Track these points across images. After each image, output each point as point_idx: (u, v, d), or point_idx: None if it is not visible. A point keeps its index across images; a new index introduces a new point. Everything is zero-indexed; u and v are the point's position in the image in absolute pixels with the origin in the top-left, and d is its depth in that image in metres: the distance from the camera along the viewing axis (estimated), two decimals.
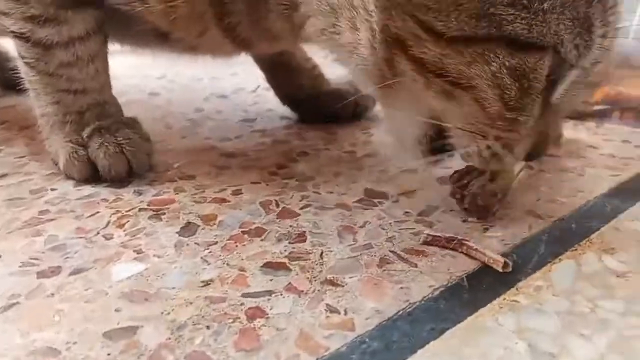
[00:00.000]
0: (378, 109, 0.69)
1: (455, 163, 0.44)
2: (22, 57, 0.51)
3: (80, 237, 0.40)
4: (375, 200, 0.46)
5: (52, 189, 0.48)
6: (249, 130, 0.65)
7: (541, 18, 0.33)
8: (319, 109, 0.67)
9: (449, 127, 0.39)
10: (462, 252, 0.38)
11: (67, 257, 0.37)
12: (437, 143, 0.41)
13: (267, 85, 0.70)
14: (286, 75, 0.67)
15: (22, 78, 0.53)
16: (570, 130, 0.64)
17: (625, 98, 0.67)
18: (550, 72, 0.35)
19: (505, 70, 0.34)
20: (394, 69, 0.38)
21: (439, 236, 0.39)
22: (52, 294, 0.34)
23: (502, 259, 0.36)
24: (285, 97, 0.69)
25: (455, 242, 0.38)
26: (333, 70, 0.60)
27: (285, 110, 0.70)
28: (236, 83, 0.86)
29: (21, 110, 0.71)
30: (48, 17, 0.48)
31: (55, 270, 0.36)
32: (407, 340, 0.30)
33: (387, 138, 0.46)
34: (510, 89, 0.35)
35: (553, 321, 0.31)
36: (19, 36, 0.49)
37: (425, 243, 0.39)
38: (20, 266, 0.36)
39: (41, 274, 0.36)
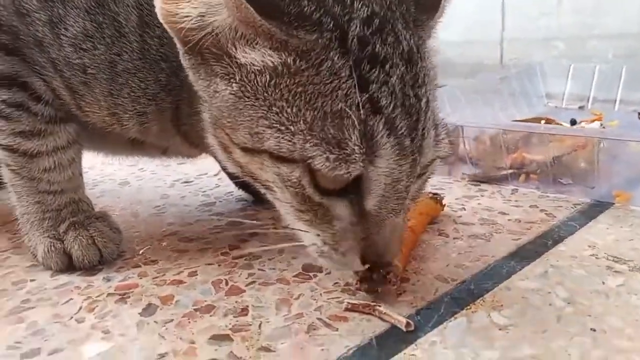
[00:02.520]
0: None
1: None
2: (8, 165, 0.59)
3: (57, 322, 0.47)
4: (311, 274, 0.54)
5: (32, 280, 0.55)
6: (208, 214, 0.73)
7: (289, 138, 0.39)
8: None
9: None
10: (375, 316, 0.46)
11: (46, 340, 0.44)
12: None
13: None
14: None
15: (3, 180, 0.61)
16: (487, 198, 0.75)
17: (528, 162, 0.78)
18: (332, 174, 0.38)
19: (276, 177, 0.41)
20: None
21: (357, 304, 0.47)
22: None
23: (404, 320, 0.44)
24: (238, 182, 0.78)
25: (369, 307, 0.46)
26: None
27: (242, 193, 0.79)
28: (201, 168, 0.95)
29: (1, 206, 0.79)
30: (36, 132, 0.57)
31: (35, 351, 0.43)
32: None
33: None
34: (288, 193, 0.41)
35: None
36: (6, 148, 0.58)
37: (347, 309, 0.47)
38: (6, 349, 0.43)
39: (24, 355, 0.42)
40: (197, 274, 0.55)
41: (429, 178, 0.47)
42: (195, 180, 0.89)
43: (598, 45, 1.39)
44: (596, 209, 0.69)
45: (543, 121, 1.01)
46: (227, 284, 0.53)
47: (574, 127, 1.02)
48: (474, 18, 1.63)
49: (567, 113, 1.17)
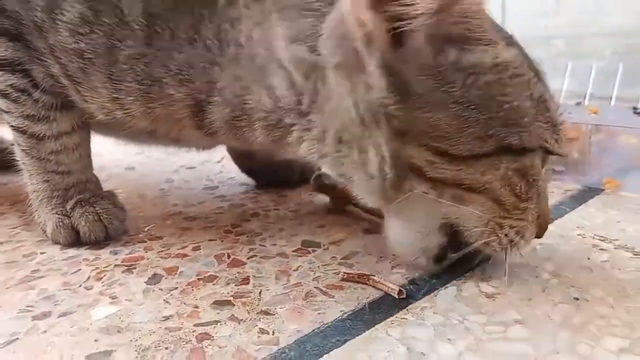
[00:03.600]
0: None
1: None
2: (19, 145, 0.61)
3: (66, 289, 0.49)
4: (310, 249, 0.57)
5: (42, 253, 0.58)
6: (211, 196, 0.76)
7: (527, 129, 0.43)
8: (272, 175, 0.79)
9: (465, 227, 0.46)
10: (369, 285, 0.48)
11: (56, 304, 0.47)
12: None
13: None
14: (241, 149, 0.79)
15: (15, 160, 0.63)
16: None
17: None
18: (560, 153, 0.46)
19: (511, 172, 0.44)
20: (401, 188, 0.45)
21: (352, 273, 0.49)
22: (45, 331, 0.43)
23: (397, 288, 0.47)
24: (243, 167, 0.81)
25: (364, 277, 0.49)
26: None
27: (244, 178, 0.82)
28: (205, 155, 0.97)
29: (12, 187, 0.81)
30: (41, 117, 0.59)
31: (46, 314, 0.45)
32: (317, 350, 0.40)
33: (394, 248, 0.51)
34: (519, 185, 0.44)
35: (429, 331, 0.42)
36: (17, 129, 0.60)
37: (343, 280, 0.49)
38: (18, 312, 0.46)
39: (35, 317, 0.45)
40: (200, 249, 0.58)
41: None
42: (199, 166, 0.92)
43: (596, 43, 1.41)
44: (587, 194, 0.71)
45: None
46: (229, 257, 0.55)
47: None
48: None
49: (564, 109, 1.18)
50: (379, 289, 0.48)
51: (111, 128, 0.65)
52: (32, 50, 0.56)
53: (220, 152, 0.89)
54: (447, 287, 0.48)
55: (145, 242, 0.60)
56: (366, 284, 0.48)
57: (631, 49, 1.34)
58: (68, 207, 0.60)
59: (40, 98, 0.58)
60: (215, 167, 0.91)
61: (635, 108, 1.12)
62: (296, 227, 0.63)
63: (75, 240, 0.59)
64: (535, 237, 0.49)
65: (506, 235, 0.46)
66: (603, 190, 0.73)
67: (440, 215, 0.46)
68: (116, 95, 0.54)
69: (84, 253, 0.57)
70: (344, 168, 0.48)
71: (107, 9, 0.52)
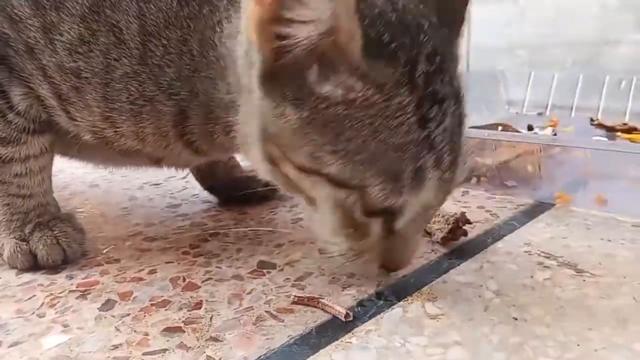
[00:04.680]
0: None
1: None
2: None
3: (19, 317, 0.50)
4: (265, 270, 0.58)
5: None
6: (173, 215, 0.76)
7: (352, 166, 0.41)
8: (233, 192, 0.79)
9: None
10: (319, 308, 0.50)
11: (7, 334, 0.47)
12: None
13: None
14: (205, 167, 0.80)
15: None
16: None
17: (479, 166, 0.83)
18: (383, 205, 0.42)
19: (329, 197, 0.44)
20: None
21: (302, 297, 0.51)
22: None
23: (344, 311, 0.48)
24: (205, 184, 0.82)
25: (313, 300, 0.50)
26: None
27: (207, 195, 0.82)
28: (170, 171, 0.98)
29: None
30: (11, 139, 0.59)
31: None
32: None
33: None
34: (337, 212, 0.45)
35: (371, 354, 0.43)
36: None
37: (293, 302, 0.51)
38: None
39: None
40: (156, 272, 0.58)
41: None
42: (164, 182, 0.92)
43: (558, 53, 1.45)
44: (537, 209, 0.74)
45: (500, 127, 1.06)
46: (184, 280, 0.56)
47: (530, 132, 1.08)
48: None
49: (526, 119, 1.22)
50: (327, 312, 0.49)
51: (91, 152, 0.65)
52: (15, 72, 0.56)
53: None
54: (393, 309, 0.50)
55: (102, 265, 0.60)
56: (315, 307, 0.50)
57: (591, 59, 1.39)
58: (27, 230, 0.60)
59: (14, 120, 0.58)
60: (179, 183, 0.91)
61: (592, 119, 1.16)
62: (254, 247, 0.64)
63: (33, 264, 0.60)
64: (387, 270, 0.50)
65: (346, 252, 0.48)
66: (554, 205, 0.75)
67: None
68: (109, 114, 0.55)
69: (40, 278, 0.58)
70: (252, 163, 0.52)
71: (105, 28, 0.52)
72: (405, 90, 0.41)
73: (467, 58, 1.64)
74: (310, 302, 0.50)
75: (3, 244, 0.61)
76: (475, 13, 1.62)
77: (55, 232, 0.61)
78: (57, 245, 0.60)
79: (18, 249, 0.60)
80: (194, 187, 0.87)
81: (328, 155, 0.42)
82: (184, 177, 0.93)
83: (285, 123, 0.43)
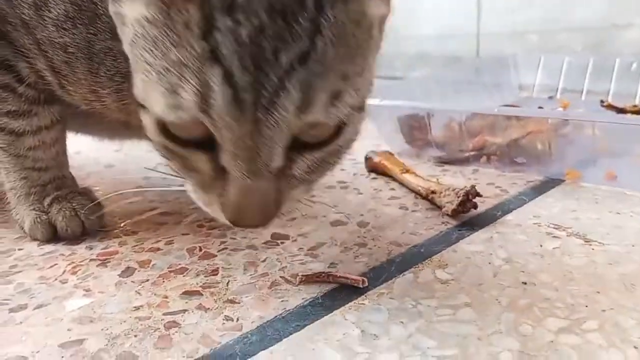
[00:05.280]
0: None
1: None
2: None
3: (42, 283, 0.52)
4: (279, 241, 0.59)
5: (19, 249, 0.60)
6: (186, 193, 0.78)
7: (141, 85, 0.40)
8: None
9: None
10: (330, 282, 0.50)
11: (32, 297, 0.49)
12: None
13: None
14: None
15: None
16: (449, 177, 0.80)
17: (489, 145, 0.84)
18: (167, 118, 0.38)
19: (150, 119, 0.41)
20: None
21: (310, 274, 0.51)
22: (20, 322, 0.45)
23: (359, 278, 0.49)
24: None
25: (323, 275, 0.51)
26: None
27: None
28: None
29: None
30: (22, 112, 0.60)
31: (22, 307, 0.47)
32: (277, 334, 0.42)
33: None
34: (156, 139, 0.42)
35: (383, 315, 0.44)
36: None
37: (300, 282, 0.51)
38: None
39: (12, 310, 0.47)
40: (173, 242, 0.60)
41: (334, 154, 0.44)
42: None
43: (568, 37, 1.45)
44: (547, 185, 0.75)
45: None
46: (200, 250, 0.58)
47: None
48: (450, 12, 1.69)
49: (537, 102, 1.22)
50: (341, 283, 0.50)
51: (90, 124, 0.67)
52: (16, 47, 0.58)
53: None
54: (404, 275, 0.51)
55: (121, 237, 0.62)
56: (326, 281, 0.50)
57: (600, 43, 1.38)
58: (45, 203, 0.62)
59: (24, 92, 0.60)
60: None
61: (602, 101, 1.16)
62: None
63: (53, 235, 0.61)
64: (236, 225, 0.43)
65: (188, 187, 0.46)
66: (564, 181, 0.76)
67: None
68: (94, 88, 0.56)
69: (61, 248, 0.59)
70: None
71: (86, 3, 0.54)
72: (194, 3, 0.37)
73: (477, 43, 1.64)
74: (319, 277, 0.50)
75: (23, 217, 0.63)
76: None
77: (74, 204, 0.62)
78: (75, 217, 0.62)
79: (38, 220, 0.61)
80: None
81: (137, 79, 0.41)
82: None
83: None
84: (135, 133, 0.65)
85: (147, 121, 0.41)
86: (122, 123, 0.62)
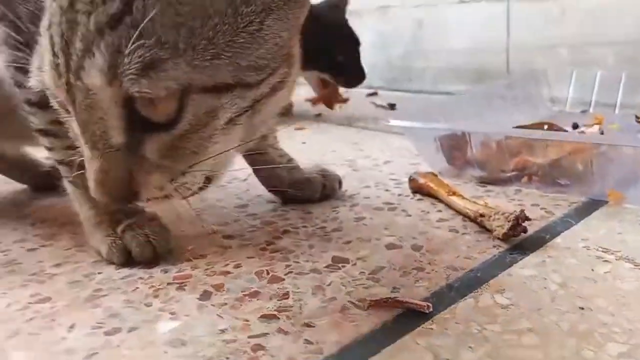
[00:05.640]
0: (343, 191, 0.87)
1: None
2: (66, 177, 0.69)
3: (129, 307, 0.56)
4: (339, 265, 0.63)
5: (99, 273, 0.64)
6: (244, 214, 0.82)
7: None
8: (296, 193, 0.85)
9: None
10: (398, 307, 0.53)
11: (123, 320, 0.53)
12: None
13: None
14: (267, 170, 0.85)
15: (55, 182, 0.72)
16: (493, 198, 0.83)
17: (530, 165, 0.86)
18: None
19: None
20: None
21: (377, 300, 0.54)
22: (118, 346, 0.49)
23: (425, 304, 0.52)
24: (269, 186, 0.87)
25: (390, 300, 0.54)
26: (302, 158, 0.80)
27: (271, 196, 0.88)
28: (230, 173, 1.04)
29: (57, 209, 0.88)
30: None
31: (117, 330, 0.52)
32: (357, 358, 0.46)
33: None
34: None
35: (451, 339, 0.48)
36: (61, 163, 0.68)
37: (369, 307, 0.54)
38: (90, 329, 0.52)
39: (107, 333, 0.51)
40: (241, 266, 0.64)
41: (191, 140, 0.44)
42: (228, 184, 0.98)
43: (599, 51, 1.47)
44: (590, 206, 0.77)
45: (545, 126, 1.08)
46: (268, 273, 0.62)
47: (575, 131, 1.10)
48: (480, 27, 1.71)
49: (570, 117, 1.24)
50: (407, 308, 0.53)
51: None
52: None
53: (246, 171, 0.96)
54: (465, 299, 0.54)
55: (191, 260, 0.66)
56: (395, 306, 0.53)
57: (633, 57, 1.40)
58: (119, 230, 0.67)
59: None
60: (241, 185, 0.97)
61: (637, 117, 1.17)
62: (325, 243, 0.70)
63: (128, 259, 0.66)
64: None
65: None
66: (606, 202, 0.78)
67: None
68: None
69: (138, 272, 0.64)
70: None
71: None
72: None
73: (507, 57, 1.66)
74: (386, 303, 0.54)
75: (99, 243, 0.67)
76: (515, 12, 1.65)
77: (146, 231, 0.67)
78: (148, 243, 0.66)
79: (114, 245, 0.66)
80: (256, 187, 0.93)
81: None
82: (245, 179, 0.99)
83: None
84: None
85: None
86: None
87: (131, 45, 0.37)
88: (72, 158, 0.65)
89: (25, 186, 1.03)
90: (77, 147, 0.64)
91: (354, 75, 1.48)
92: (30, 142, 0.86)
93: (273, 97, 0.49)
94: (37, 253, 0.71)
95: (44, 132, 0.66)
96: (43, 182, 0.99)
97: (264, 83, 0.46)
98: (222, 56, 0.42)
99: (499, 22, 1.65)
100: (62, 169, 0.68)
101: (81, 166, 0.66)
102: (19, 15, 0.54)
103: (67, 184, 0.69)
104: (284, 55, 0.47)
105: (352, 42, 1.47)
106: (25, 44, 0.53)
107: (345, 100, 1.60)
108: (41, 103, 0.62)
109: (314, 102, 1.58)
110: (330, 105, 1.55)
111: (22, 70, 0.58)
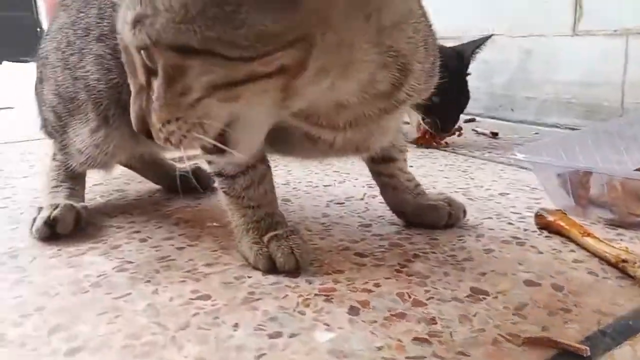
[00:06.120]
0: (465, 220, 0.88)
1: None
2: (221, 188, 0.75)
3: (284, 313, 0.60)
4: (480, 296, 0.64)
5: (249, 277, 0.69)
6: (369, 234, 0.85)
7: None
8: (421, 218, 0.87)
9: None
10: (553, 347, 0.53)
11: (282, 326, 0.57)
12: None
13: (371, 193, 0.90)
14: (394, 193, 0.88)
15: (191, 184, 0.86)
16: (627, 243, 0.81)
17: None
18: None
19: None
20: None
21: (533, 337, 0.54)
22: (283, 349, 0.53)
23: (583, 347, 0.52)
24: (394, 208, 0.90)
25: (545, 339, 0.54)
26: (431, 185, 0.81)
27: (393, 216, 0.90)
28: (345, 191, 1.07)
29: (195, 211, 0.96)
30: None
31: (278, 334, 0.56)
32: None
33: None
34: None
35: None
36: (217, 174, 0.74)
37: (524, 343, 0.54)
38: (253, 330, 0.56)
39: (270, 336, 0.55)
40: (380, 285, 0.66)
41: (171, 89, 0.53)
42: (346, 202, 1.01)
43: None
44: None
45: None
46: (409, 296, 0.64)
47: None
48: (594, 61, 1.66)
49: None
50: (564, 349, 0.53)
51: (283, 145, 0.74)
52: None
53: (361, 189, 0.99)
54: (621, 347, 0.54)
55: (331, 274, 0.70)
56: (550, 346, 0.54)
57: None
58: (265, 239, 0.71)
59: None
60: (360, 204, 1.00)
61: None
62: (458, 272, 0.71)
63: (272, 268, 0.70)
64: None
65: None
66: None
67: None
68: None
69: (284, 280, 0.68)
70: None
71: None
72: None
73: (622, 93, 1.60)
74: (542, 342, 0.54)
75: (246, 249, 0.72)
76: (634, 48, 1.59)
77: (290, 243, 0.71)
78: (292, 254, 0.70)
79: (260, 252, 0.71)
80: (376, 208, 0.95)
81: None
82: (362, 199, 1.02)
83: None
84: (319, 149, 0.72)
85: None
86: (309, 139, 0.69)
87: (136, 5, 0.51)
88: (231, 172, 0.72)
89: (158, 187, 1.11)
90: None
91: (450, 120, 1.47)
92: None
93: (291, 80, 0.52)
94: (187, 251, 0.78)
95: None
96: (175, 185, 1.07)
97: (256, 61, 0.50)
98: (193, 24, 0.49)
99: (615, 57, 1.60)
100: (219, 180, 0.74)
101: (229, 176, 0.72)
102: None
103: (221, 194, 0.75)
104: (287, 41, 0.50)
105: (464, 94, 1.46)
106: None
107: (445, 138, 1.54)
108: None
109: (416, 142, 1.54)
110: (430, 143, 1.52)
111: None
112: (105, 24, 0.83)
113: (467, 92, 1.47)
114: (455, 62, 1.42)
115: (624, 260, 0.69)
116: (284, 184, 1.13)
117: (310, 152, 0.76)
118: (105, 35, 0.83)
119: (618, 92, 1.61)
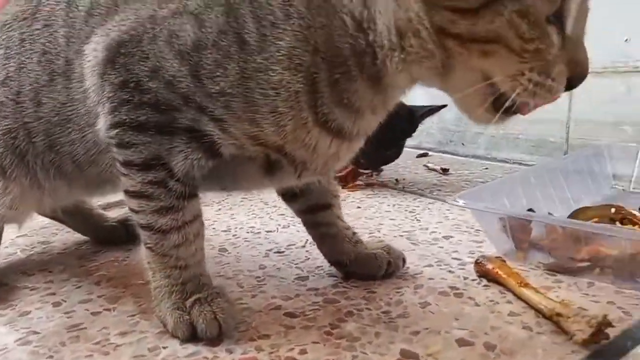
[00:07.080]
0: (405, 269, 0.85)
1: None
2: (146, 243, 0.69)
3: None
4: None
5: (164, 347, 0.64)
6: (304, 289, 0.81)
7: None
8: (360, 268, 0.84)
9: (498, 82, 0.54)
10: None
11: None
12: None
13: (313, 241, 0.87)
14: (334, 242, 0.85)
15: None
16: (564, 290, 0.79)
17: (603, 256, 0.82)
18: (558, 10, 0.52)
19: (514, 14, 0.51)
20: (447, 52, 0.54)
21: None
22: None
23: None
24: (333, 260, 0.86)
25: None
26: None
27: (331, 267, 0.87)
28: (287, 237, 1.04)
29: (122, 267, 0.90)
30: (171, 207, 0.65)
31: None
32: None
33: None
34: (521, 26, 0.51)
35: None
36: (145, 227, 0.68)
37: None
38: None
39: None
40: (306, 352, 0.62)
41: None
42: (286, 250, 0.98)
43: None
44: None
45: (613, 209, 1.04)
46: None
47: None
48: None
49: (635, 197, 1.20)
50: None
51: (232, 177, 0.71)
52: (179, 131, 0.62)
53: (304, 236, 0.95)
54: None
55: (255, 340, 0.65)
56: None
57: None
58: (187, 304, 0.66)
59: (174, 187, 0.64)
60: (301, 252, 0.97)
61: None
62: (391, 332, 0.67)
63: (193, 335, 0.65)
64: (571, 83, 0.55)
65: (529, 79, 0.53)
66: None
67: (479, 74, 0.55)
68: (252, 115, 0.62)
69: (203, 350, 0.63)
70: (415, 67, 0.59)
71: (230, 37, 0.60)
72: None
73: (567, 130, 1.63)
74: None
75: (166, 315, 0.67)
76: (579, 87, 1.62)
77: (213, 308, 0.66)
78: (215, 320, 0.65)
79: (181, 319, 0.65)
80: (316, 257, 0.92)
81: None
82: (303, 246, 0.99)
83: None
84: (285, 177, 0.70)
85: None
86: (272, 167, 0.68)
87: None
88: (156, 223, 0.66)
89: (87, 238, 1.05)
90: (163, 213, 0.65)
91: (379, 160, 1.46)
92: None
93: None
94: (102, 317, 0.72)
95: (137, 194, 0.66)
96: (105, 237, 1.02)
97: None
98: None
99: (561, 95, 1.63)
100: (144, 234, 0.68)
101: (160, 231, 0.66)
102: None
103: (144, 250, 0.69)
104: None
105: (399, 151, 1.45)
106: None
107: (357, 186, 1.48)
108: (145, 164, 0.64)
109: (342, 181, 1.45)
110: (345, 185, 1.45)
111: (140, 128, 0.62)
112: (11, 64, 0.75)
113: (401, 150, 1.46)
114: (406, 124, 1.41)
115: (558, 314, 0.67)
116: (225, 231, 1.09)
117: (261, 183, 0.73)
118: (10, 78, 0.75)
119: (563, 128, 1.64)
